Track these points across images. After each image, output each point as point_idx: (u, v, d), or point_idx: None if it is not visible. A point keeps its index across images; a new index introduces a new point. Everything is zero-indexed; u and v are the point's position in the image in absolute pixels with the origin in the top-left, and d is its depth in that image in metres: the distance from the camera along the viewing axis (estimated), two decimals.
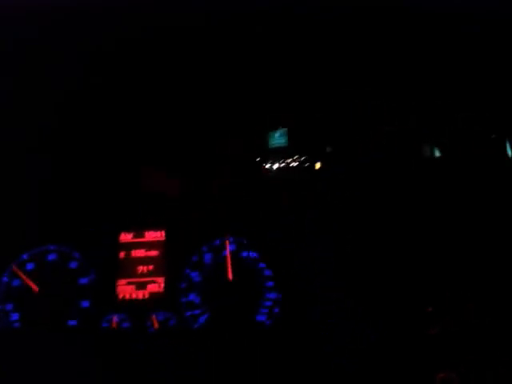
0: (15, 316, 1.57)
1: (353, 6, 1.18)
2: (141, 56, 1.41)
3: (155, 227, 1.66)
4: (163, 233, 1.65)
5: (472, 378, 1.25)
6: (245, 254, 1.63)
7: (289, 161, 1.82)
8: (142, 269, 1.63)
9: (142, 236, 1.65)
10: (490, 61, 1.44)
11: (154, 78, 1.56)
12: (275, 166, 1.77)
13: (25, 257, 1.62)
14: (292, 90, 1.69)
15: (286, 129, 1.81)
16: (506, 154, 1.66)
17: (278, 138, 1.82)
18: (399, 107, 1.73)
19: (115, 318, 1.55)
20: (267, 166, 1.78)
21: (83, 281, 1.61)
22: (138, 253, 1.64)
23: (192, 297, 1.60)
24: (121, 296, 1.60)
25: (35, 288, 1.57)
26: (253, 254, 1.63)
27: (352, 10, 1.20)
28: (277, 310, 1.57)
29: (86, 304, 1.59)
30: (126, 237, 1.65)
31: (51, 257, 1.63)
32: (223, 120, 1.78)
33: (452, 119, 1.73)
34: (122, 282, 1.61)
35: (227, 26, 1.27)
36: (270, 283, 1.60)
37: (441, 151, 1.76)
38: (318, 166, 1.79)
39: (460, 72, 1.54)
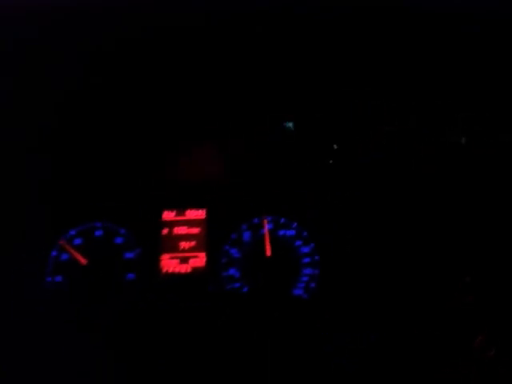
0: (65, 287, 1.63)
1: (353, 5, 1.18)
2: (141, 56, 1.41)
3: (196, 206, 1.74)
4: (204, 211, 1.74)
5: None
6: (282, 232, 1.71)
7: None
8: (184, 245, 1.70)
9: (184, 214, 1.74)
10: (490, 61, 1.44)
11: (155, 78, 1.57)
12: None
13: (72, 232, 1.69)
14: (291, 91, 1.69)
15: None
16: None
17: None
18: (399, 107, 1.73)
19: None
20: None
21: (129, 255, 1.68)
22: (181, 230, 1.72)
23: (232, 271, 1.67)
24: (164, 270, 1.67)
25: (83, 261, 1.62)
26: (290, 232, 1.71)
27: (352, 10, 1.20)
28: (313, 285, 1.64)
29: (131, 276, 1.65)
30: (168, 215, 1.73)
31: (98, 233, 1.70)
32: (224, 120, 1.79)
33: (452, 119, 1.73)
34: (165, 256, 1.68)
35: (227, 26, 1.27)
36: (307, 259, 1.67)
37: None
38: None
39: (460, 72, 1.55)
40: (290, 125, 1.79)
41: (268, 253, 1.65)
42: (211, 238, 1.69)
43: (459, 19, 1.24)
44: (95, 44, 1.31)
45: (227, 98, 1.71)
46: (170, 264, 1.67)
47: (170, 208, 1.73)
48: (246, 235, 1.71)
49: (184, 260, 1.68)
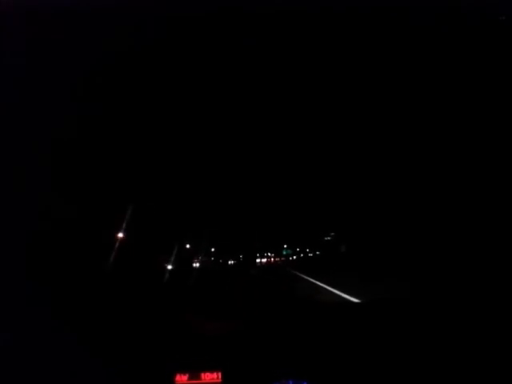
0: None
1: (353, 5, 1.18)
2: (141, 56, 1.41)
3: (211, 368, 1.59)
4: (220, 374, 1.58)
5: None
6: None
7: None
8: None
9: (198, 377, 1.59)
10: (490, 61, 1.44)
11: (155, 78, 1.56)
12: None
13: None
14: (291, 91, 1.69)
15: None
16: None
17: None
18: (399, 107, 1.73)
19: None
20: None
21: None
22: None
23: None
24: None
25: None
26: None
27: (352, 10, 1.20)
28: None
29: None
30: (181, 378, 1.59)
31: None
32: (224, 119, 1.79)
33: (452, 117, 1.73)
34: None
35: (228, 26, 1.27)
36: None
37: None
38: None
39: (460, 72, 1.54)
40: None
41: None
42: None
43: (459, 19, 1.24)
44: (96, 44, 1.31)
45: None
46: None
47: (183, 370, 1.57)
48: None
49: None
